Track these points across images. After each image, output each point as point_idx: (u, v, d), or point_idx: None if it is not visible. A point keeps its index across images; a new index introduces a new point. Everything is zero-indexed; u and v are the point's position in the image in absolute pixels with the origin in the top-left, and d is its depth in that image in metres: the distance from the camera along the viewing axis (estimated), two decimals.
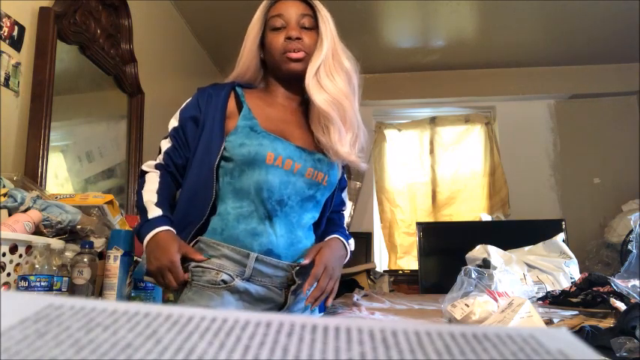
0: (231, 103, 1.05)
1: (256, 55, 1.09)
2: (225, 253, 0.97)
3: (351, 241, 1.12)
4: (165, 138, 1.06)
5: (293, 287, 1.00)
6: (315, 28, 1.06)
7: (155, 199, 0.98)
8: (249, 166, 0.98)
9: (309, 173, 1.01)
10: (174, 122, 1.06)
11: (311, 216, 1.05)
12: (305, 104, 1.11)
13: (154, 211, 0.97)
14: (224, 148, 1.00)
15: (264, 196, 0.97)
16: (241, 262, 0.96)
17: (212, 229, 1.00)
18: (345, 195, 1.20)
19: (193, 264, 0.97)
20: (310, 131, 1.07)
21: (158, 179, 1.01)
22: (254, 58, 1.09)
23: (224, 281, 0.95)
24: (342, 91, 1.03)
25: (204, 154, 1.00)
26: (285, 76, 1.08)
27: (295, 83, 1.08)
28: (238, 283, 0.96)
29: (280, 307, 1.02)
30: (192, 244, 1.00)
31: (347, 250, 1.09)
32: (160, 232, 0.94)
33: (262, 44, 1.09)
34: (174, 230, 0.96)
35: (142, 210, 0.99)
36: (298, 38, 1.03)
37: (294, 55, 1.03)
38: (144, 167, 1.05)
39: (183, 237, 1.00)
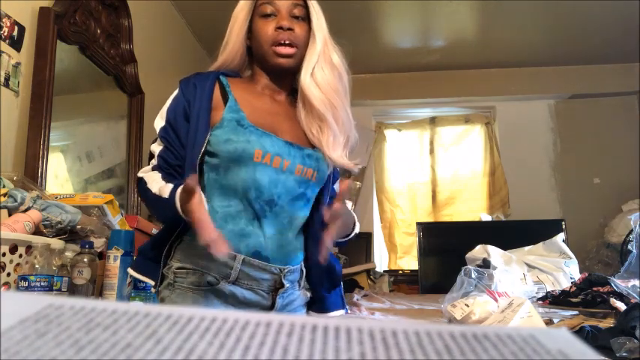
0: (217, 94, 0.99)
1: (243, 42, 1.03)
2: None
3: (357, 224, 1.07)
4: (155, 141, 1.00)
5: (281, 291, 0.97)
6: (306, 18, 1.02)
7: (165, 183, 0.91)
8: (236, 163, 0.93)
9: (298, 170, 0.97)
10: (160, 122, 0.98)
11: (302, 215, 1.01)
12: (293, 95, 1.07)
13: (168, 188, 0.88)
14: (208, 142, 0.94)
15: (252, 196, 0.93)
16: (227, 264, 0.92)
17: None
18: (337, 186, 1.13)
19: (177, 265, 0.94)
20: (299, 123, 1.02)
21: (160, 174, 0.95)
22: (241, 46, 1.03)
23: (209, 283, 0.92)
24: (335, 89, 1.00)
25: (190, 149, 0.94)
26: (272, 69, 1.03)
27: (283, 76, 1.04)
28: (224, 285, 0.92)
29: (267, 311, 0.97)
30: (176, 243, 0.96)
31: (354, 225, 1.04)
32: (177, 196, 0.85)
33: (249, 30, 1.03)
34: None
35: (156, 201, 0.90)
36: (290, 29, 0.98)
37: (284, 51, 0.98)
38: (140, 174, 0.97)
39: (168, 236, 0.97)
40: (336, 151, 1.00)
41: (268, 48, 0.99)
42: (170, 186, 0.89)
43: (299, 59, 1.01)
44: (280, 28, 0.98)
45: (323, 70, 1.00)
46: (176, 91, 1.01)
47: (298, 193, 0.98)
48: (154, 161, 0.97)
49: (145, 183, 0.94)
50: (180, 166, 0.96)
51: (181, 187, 0.82)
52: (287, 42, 0.98)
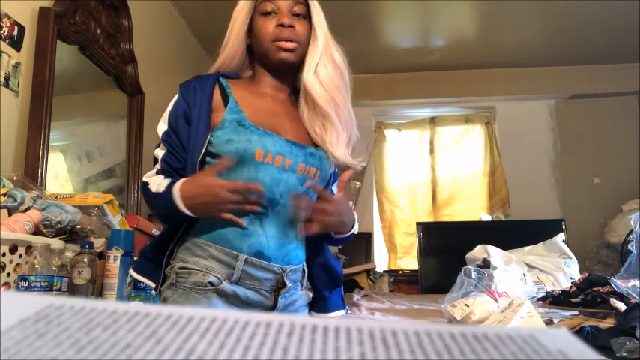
0: (217, 96, 0.99)
1: (243, 41, 1.04)
2: (213, 253, 0.93)
3: (357, 226, 1.07)
4: (158, 146, 1.01)
5: (283, 290, 0.97)
6: (306, 16, 1.02)
7: (163, 180, 0.94)
8: (238, 163, 0.93)
9: (300, 169, 0.97)
10: (163, 126, 1.00)
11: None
12: (294, 94, 1.07)
13: (165, 183, 0.91)
14: (210, 144, 0.95)
15: (254, 196, 0.93)
16: (229, 264, 0.93)
17: (199, 227, 0.95)
18: (334, 188, 1.13)
19: (179, 265, 0.94)
20: (301, 122, 1.02)
21: (162, 176, 0.96)
22: (241, 45, 1.04)
23: (211, 283, 0.92)
24: (338, 86, 1.01)
25: (190, 151, 0.95)
26: (274, 65, 1.03)
27: (284, 73, 1.05)
28: (226, 285, 0.92)
29: (269, 310, 0.97)
30: (179, 243, 0.97)
31: (354, 224, 1.04)
32: (180, 186, 0.89)
33: (249, 29, 1.04)
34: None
35: (155, 197, 0.92)
36: (291, 26, 0.99)
37: (285, 45, 0.98)
38: (145, 178, 0.99)
39: (170, 236, 0.97)
40: (340, 148, 1.01)
41: (269, 44, 1.00)
42: (167, 181, 0.91)
43: (300, 55, 1.02)
44: (281, 25, 0.99)
45: (326, 68, 1.01)
46: (176, 96, 1.02)
47: (300, 192, 0.98)
48: (158, 166, 0.99)
49: (148, 185, 0.96)
50: (183, 168, 0.97)
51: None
52: (288, 39, 0.99)
